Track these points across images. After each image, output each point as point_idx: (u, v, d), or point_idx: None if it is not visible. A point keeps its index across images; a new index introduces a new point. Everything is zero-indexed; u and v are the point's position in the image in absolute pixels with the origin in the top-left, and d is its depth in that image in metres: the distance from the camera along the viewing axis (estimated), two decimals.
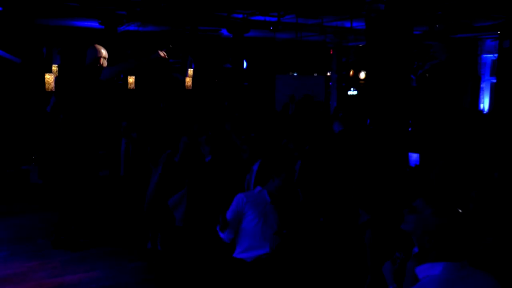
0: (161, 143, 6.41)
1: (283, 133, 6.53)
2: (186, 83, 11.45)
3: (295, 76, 16.33)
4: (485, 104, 14.67)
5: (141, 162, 6.74)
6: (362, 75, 16.49)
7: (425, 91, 14.57)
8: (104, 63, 5.19)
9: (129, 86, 10.55)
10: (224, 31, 12.41)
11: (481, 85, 14.66)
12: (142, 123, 8.16)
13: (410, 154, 8.16)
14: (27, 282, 4.39)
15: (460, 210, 1.94)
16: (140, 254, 5.11)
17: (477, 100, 14.57)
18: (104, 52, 5.22)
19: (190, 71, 11.61)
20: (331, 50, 15.14)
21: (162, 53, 5.11)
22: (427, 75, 15.54)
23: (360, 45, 15.38)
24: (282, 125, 8.26)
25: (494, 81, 14.08)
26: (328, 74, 16.15)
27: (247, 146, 4.97)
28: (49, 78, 9.51)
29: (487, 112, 14.04)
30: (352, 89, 16.89)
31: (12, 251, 5.09)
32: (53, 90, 9.09)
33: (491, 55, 14.30)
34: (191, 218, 4.68)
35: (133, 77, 10.60)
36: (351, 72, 16.95)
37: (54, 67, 10.24)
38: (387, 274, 2.62)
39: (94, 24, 10.84)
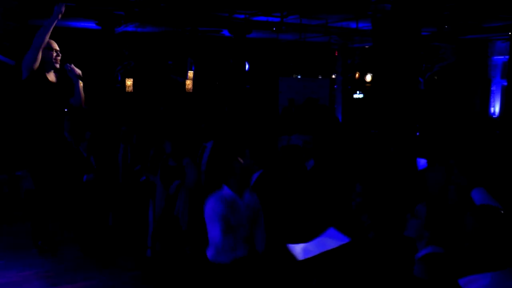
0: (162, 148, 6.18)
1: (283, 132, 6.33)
2: (186, 86, 11.23)
3: (298, 78, 16.14)
4: (495, 108, 14.40)
5: (140, 168, 6.49)
6: (368, 77, 16.29)
7: (434, 94, 14.40)
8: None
9: (127, 89, 10.34)
10: (225, 32, 12.29)
11: (492, 88, 14.47)
12: (141, 127, 7.93)
13: (418, 159, 7.88)
14: None
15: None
16: (138, 263, 5.04)
17: (487, 104, 14.34)
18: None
19: (190, 73, 11.40)
20: (336, 52, 14.98)
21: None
22: (435, 77, 15.35)
23: (366, 46, 15.21)
24: (282, 128, 8.03)
25: (505, 83, 13.82)
26: (333, 76, 15.98)
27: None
28: None
29: (497, 116, 13.76)
30: (357, 92, 16.70)
31: (6, 260, 4.98)
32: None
33: (502, 57, 14.08)
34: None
35: (131, 79, 10.38)
36: (357, 75, 16.78)
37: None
38: None
39: (91, 25, 10.68)
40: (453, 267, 2.23)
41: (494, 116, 14.06)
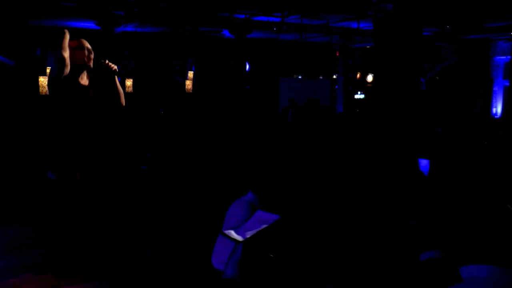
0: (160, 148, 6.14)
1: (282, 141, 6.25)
2: (186, 86, 11.16)
3: (299, 79, 16.08)
4: (497, 108, 14.32)
5: (139, 167, 6.46)
6: (370, 78, 16.23)
7: (435, 95, 14.33)
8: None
9: (126, 89, 10.27)
10: (226, 32, 12.24)
11: (494, 89, 14.40)
12: (141, 127, 7.88)
13: (420, 160, 7.85)
14: None
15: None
16: (138, 263, 4.89)
17: (489, 104, 14.26)
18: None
19: (190, 74, 11.33)
20: (337, 52, 14.91)
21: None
22: (437, 78, 15.28)
23: (367, 46, 15.14)
24: (280, 132, 7.98)
25: (507, 84, 13.76)
26: (334, 77, 15.91)
27: None
28: (43, 81, 9.25)
29: (499, 117, 13.68)
30: (359, 92, 16.63)
31: (5, 261, 4.85)
32: (47, 93, 8.82)
33: (504, 57, 14.02)
34: None
35: (131, 80, 10.32)
36: (358, 75, 16.71)
37: (49, 70, 9.97)
38: None
39: (91, 24, 10.65)
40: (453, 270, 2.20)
41: (496, 116, 13.99)
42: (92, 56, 4.37)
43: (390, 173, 5.15)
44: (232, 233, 3.29)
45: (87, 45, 4.35)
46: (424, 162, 7.42)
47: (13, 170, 8.44)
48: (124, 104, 4.56)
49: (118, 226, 6.08)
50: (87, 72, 4.41)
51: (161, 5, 9.47)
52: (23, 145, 9.01)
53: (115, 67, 4.43)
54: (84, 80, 4.39)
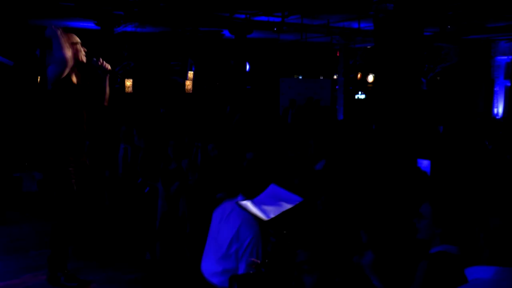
0: (161, 151, 6.06)
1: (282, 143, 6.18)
2: (186, 87, 11.14)
3: (300, 79, 16.09)
4: (499, 109, 14.28)
5: (142, 169, 6.40)
6: (370, 78, 16.22)
7: (436, 95, 14.30)
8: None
9: (126, 89, 10.25)
10: (226, 32, 12.22)
11: (495, 89, 14.37)
12: (143, 128, 7.81)
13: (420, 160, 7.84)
14: None
15: None
16: (137, 266, 4.93)
17: (490, 105, 14.22)
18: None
19: (190, 74, 11.31)
20: (338, 52, 14.89)
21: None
22: (438, 78, 15.25)
23: (368, 46, 15.11)
24: (281, 133, 7.93)
25: (509, 84, 13.73)
26: (335, 77, 15.89)
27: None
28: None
29: (501, 117, 13.64)
30: (359, 92, 16.63)
31: (3, 262, 4.89)
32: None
33: (505, 57, 14.00)
34: None
35: (131, 80, 10.29)
36: (359, 75, 16.70)
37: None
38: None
39: (90, 24, 10.62)
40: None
41: (497, 117, 13.95)
42: (85, 50, 4.26)
43: (392, 173, 5.12)
44: (250, 206, 3.02)
45: (77, 39, 4.22)
46: (425, 163, 7.40)
47: (13, 170, 8.42)
48: (107, 104, 4.45)
49: (118, 228, 6.05)
50: (78, 69, 4.29)
51: (161, 5, 9.44)
52: (23, 145, 8.99)
53: (109, 66, 4.35)
54: (74, 78, 4.28)
